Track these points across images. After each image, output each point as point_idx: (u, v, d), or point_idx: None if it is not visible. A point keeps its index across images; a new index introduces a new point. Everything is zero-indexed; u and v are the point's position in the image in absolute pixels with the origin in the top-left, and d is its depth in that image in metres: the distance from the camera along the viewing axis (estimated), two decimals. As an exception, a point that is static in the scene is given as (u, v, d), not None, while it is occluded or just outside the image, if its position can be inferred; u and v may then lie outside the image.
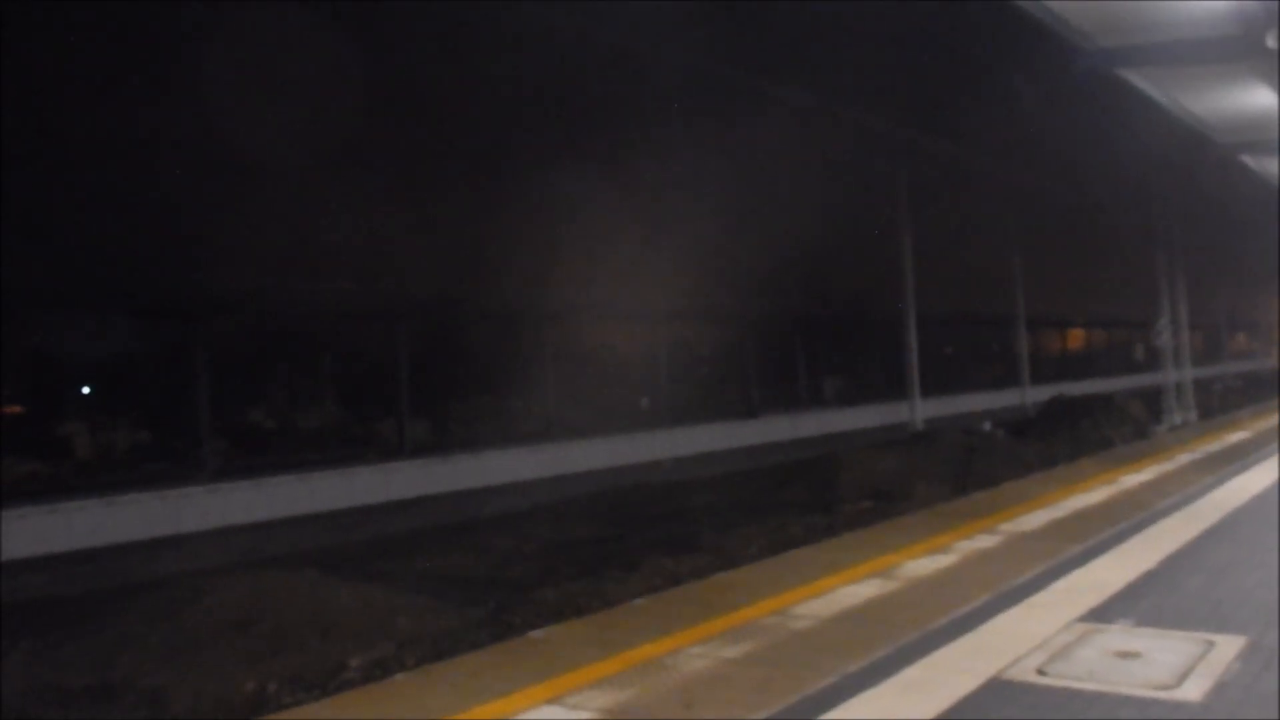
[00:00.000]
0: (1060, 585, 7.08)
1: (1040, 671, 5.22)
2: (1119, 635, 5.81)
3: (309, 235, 17.26)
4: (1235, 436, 18.02)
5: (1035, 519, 9.87)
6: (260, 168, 15.25)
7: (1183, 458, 14.97)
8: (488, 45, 17.21)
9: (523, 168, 19.72)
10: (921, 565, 7.89)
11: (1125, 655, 5.42)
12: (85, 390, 18.69)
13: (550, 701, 5.09)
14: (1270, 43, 7.97)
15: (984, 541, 8.78)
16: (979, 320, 39.53)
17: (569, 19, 16.94)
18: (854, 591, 7.11)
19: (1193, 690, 4.88)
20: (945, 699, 4.87)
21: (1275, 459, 13.87)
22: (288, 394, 20.16)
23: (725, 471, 21.67)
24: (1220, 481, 11.97)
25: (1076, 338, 51.26)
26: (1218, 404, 33.27)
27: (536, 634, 6.66)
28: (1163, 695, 4.83)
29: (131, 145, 14.91)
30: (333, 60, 14.70)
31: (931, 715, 4.69)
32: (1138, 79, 11.52)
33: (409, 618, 10.44)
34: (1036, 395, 34.04)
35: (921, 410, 26.32)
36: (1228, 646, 5.50)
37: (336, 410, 20.87)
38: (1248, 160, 17.16)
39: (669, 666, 5.56)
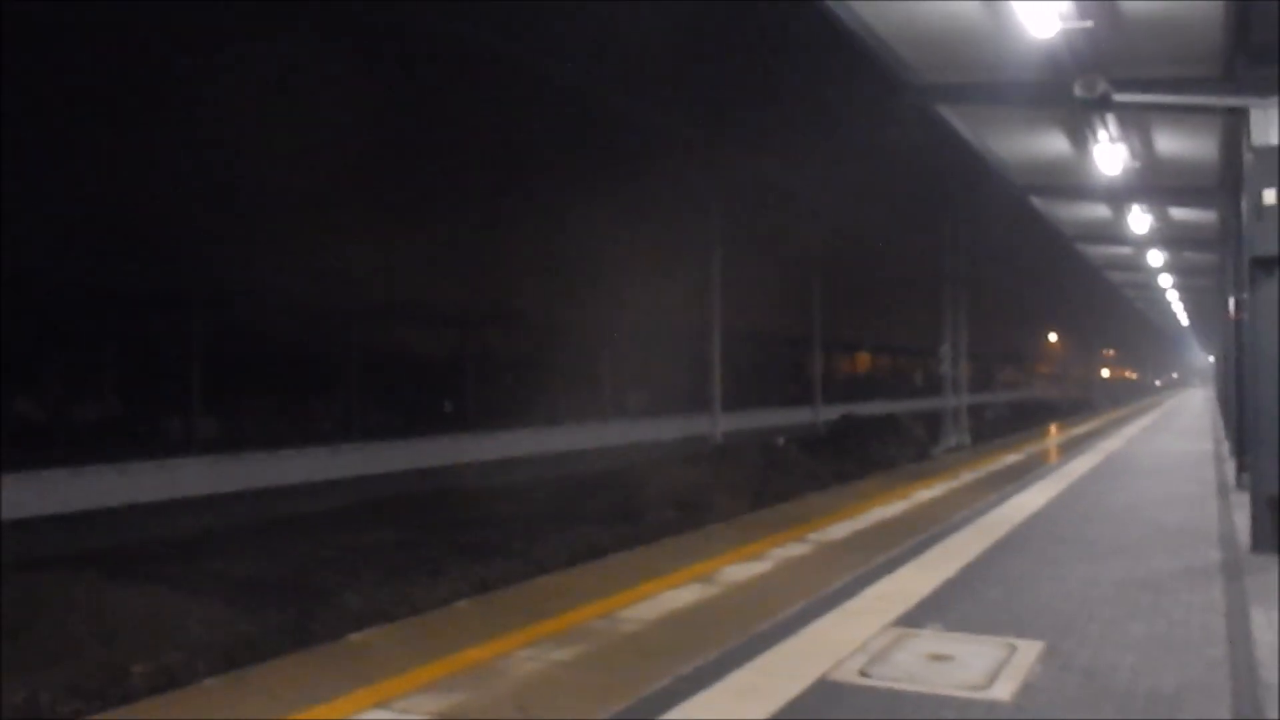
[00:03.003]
0: (871, 592, 7.35)
1: (863, 673, 5.38)
2: (931, 639, 6.06)
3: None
4: (1010, 459, 19.27)
5: (840, 529, 10.24)
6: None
7: (966, 476, 15.89)
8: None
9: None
10: (739, 571, 8.04)
11: (939, 658, 5.66)
12: None
13: (379, 706, 4.88)
14: (1077, 91, 8.59)
15: (795, 550, 9.03)
16: (775, 339, 40.88)
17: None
18: (677, 596, 7.16)
19: (1002, 690, 5.13)
20: (777, 700, 4.94)
21: (1047, 480, 14.93)
22: (66, 384, 18.74)
23: (525, 479, 21.48)
24: (1003, 499, 12.75)
25: (865, 361, 53.84)
26: (989, 429, 35.60)
27: (355, 637, 6.39)
28: (977, 695, 5.06)
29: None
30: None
31: (765, 716, 4.75)
32: (950, 115, 12.19)
33: (202, 624, 9.86)
34: (828, 414, 35.51)
35: (721, 424, 26.98)
36: (1028, 650, 5.82)
37: (123, 402, 19.58)
38: (1037, 202, 18.42)
39: (499, 670, 5.44)
